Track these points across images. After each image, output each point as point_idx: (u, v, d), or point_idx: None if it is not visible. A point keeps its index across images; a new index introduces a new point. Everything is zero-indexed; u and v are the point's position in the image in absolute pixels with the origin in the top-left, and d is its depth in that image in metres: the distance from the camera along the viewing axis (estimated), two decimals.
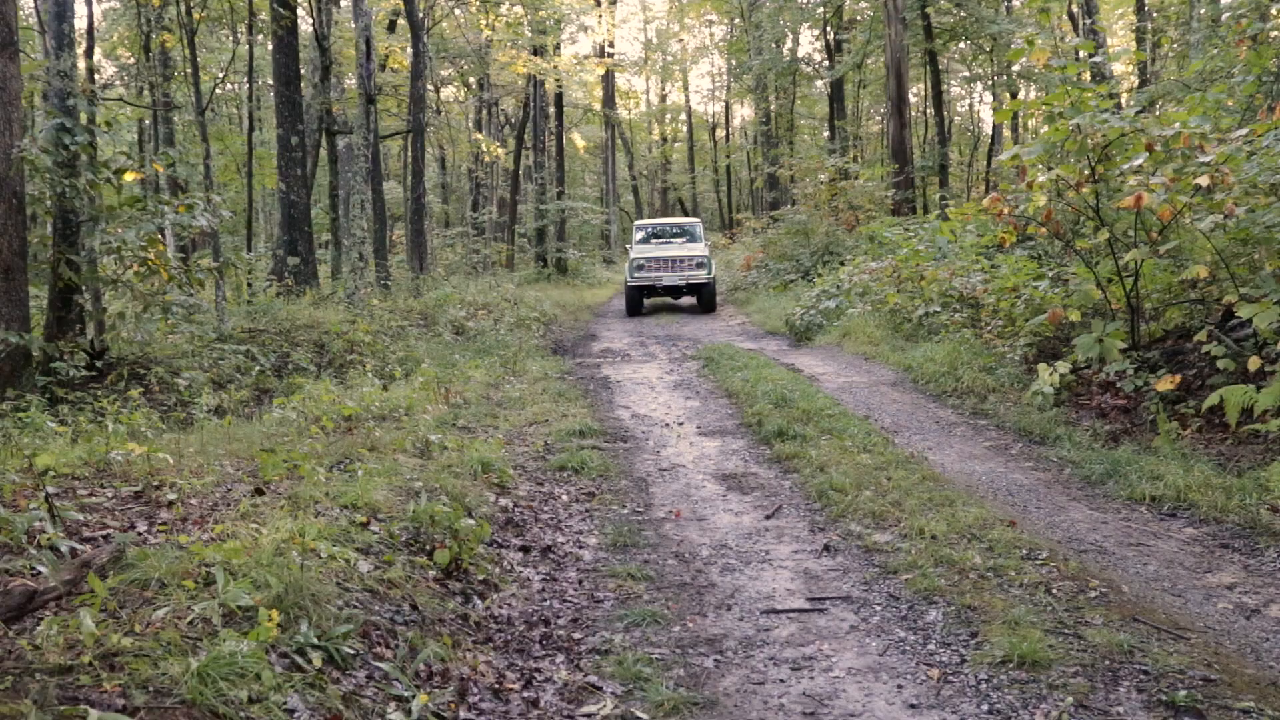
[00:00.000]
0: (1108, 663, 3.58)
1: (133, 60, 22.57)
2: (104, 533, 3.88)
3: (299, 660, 3.03)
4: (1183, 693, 3.33)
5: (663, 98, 54.94)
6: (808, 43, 38.28)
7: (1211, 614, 4.08)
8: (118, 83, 26.21)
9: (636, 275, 19.19)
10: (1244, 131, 7.17)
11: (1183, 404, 7.04)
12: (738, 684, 3.51)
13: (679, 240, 21.08)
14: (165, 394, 8.50)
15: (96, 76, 20.57)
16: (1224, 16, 12.20)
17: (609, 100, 36.44)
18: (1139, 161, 7.52)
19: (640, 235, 21.62)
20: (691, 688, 3.47)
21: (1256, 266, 7.59)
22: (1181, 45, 19.29)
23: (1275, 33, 10.16)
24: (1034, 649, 3.61)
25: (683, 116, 52.71)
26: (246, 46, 19.00)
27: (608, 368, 11.50)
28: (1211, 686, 3.40)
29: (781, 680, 3.53)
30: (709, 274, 19.15)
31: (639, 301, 19.80)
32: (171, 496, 4.42)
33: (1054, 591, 4.26)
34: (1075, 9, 24.78)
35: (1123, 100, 20.56)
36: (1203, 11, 16.98)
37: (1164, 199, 7.21)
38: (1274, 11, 10.13)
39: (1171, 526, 5.24)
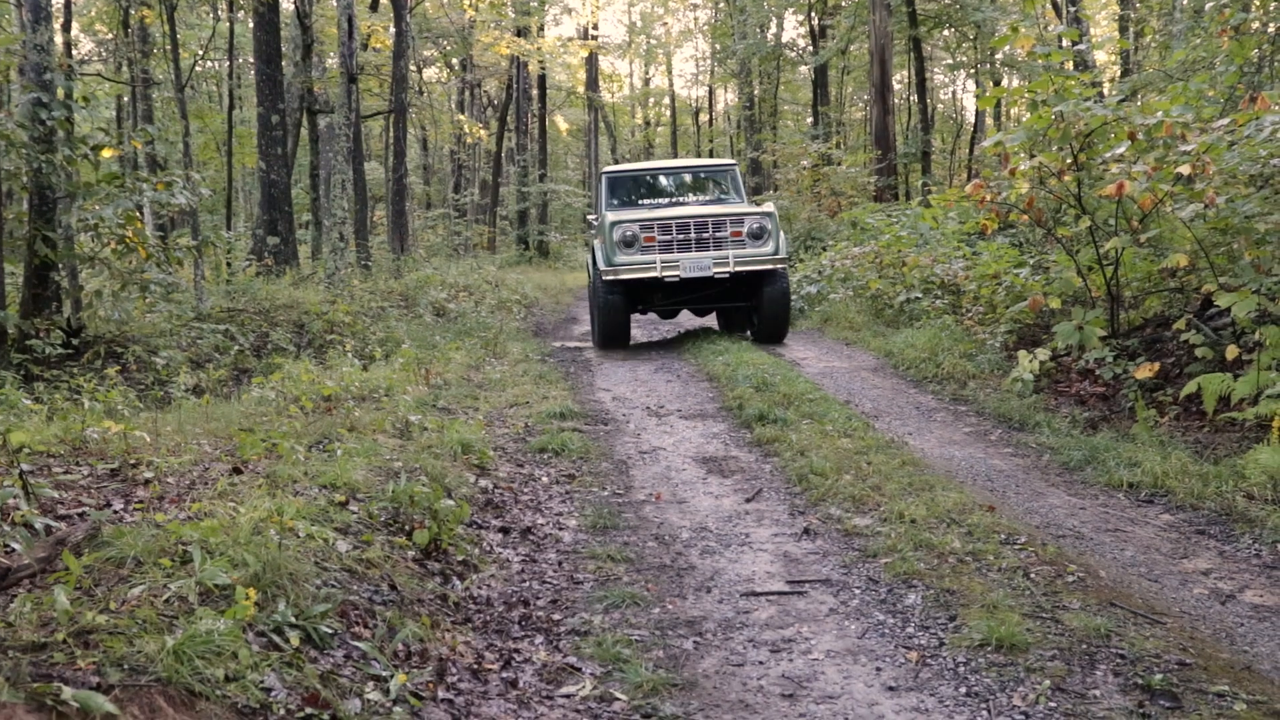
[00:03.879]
0: (1085, 646, 3.60)
1: (111, 35, 22.31)
2: (79, 510, 3.85)
3: (276, 639, 3.01)
4: (1158, 676, 3.35)
5: (646, 81, 54.79)
6: (792, 28, 38.24)
7: (1187, 599, 4.11)
8: (95, 58, 25.93)
9: (619, 263, 10.38)
10: (1225, 121, 7.20)
11: (1161, 392, 7.08)
12: (717, 665, 3.51)
13: (699, 198, 12.16)
14: (143, 373, 8.44)
15: (74, 51, 20.33)
16: (1207, 6, 12.24)
17: (592, 83, 36.31)
18: (1121, 150, 7.54)
19: (616, 191, 12.10)
20: (670, 669, 3.47)
21: (1235, 256, 7.63)
22: (1164, 35, 19.34)
23: (1257, 23, 10.19)
24: (1012, 632, 3.62)
25: (666, 100, 52.57)
26: (227, 23, 18.83)
27: (589, 351, 11.48)
28: (1187, 670, 3.42)
29: (761, 662, 3.54)
30: (776, 251, 10.51)
31: (625, 321, 11.01)
32: (148, 475, 4.39)
33: (1032, 576, 4.28)
34: (1058, 1, 24.82)
35: (1105, 89, 20.64)
36: (1185, 1, 17.03)
37: (1145, 188, 7.23)
38: (1256, 2, 10.16)
39: (1149, 513, 5.27)
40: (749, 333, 11.60)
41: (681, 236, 10.40)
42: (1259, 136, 6.63)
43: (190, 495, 4.15)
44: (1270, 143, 6.60)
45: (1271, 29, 9.70)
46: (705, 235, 10.43)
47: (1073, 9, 15.98)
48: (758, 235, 10.47)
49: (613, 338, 11.04)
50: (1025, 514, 5.23)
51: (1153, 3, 22.72)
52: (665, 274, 10.27)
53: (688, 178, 12.61)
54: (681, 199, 12.13)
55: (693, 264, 10.28)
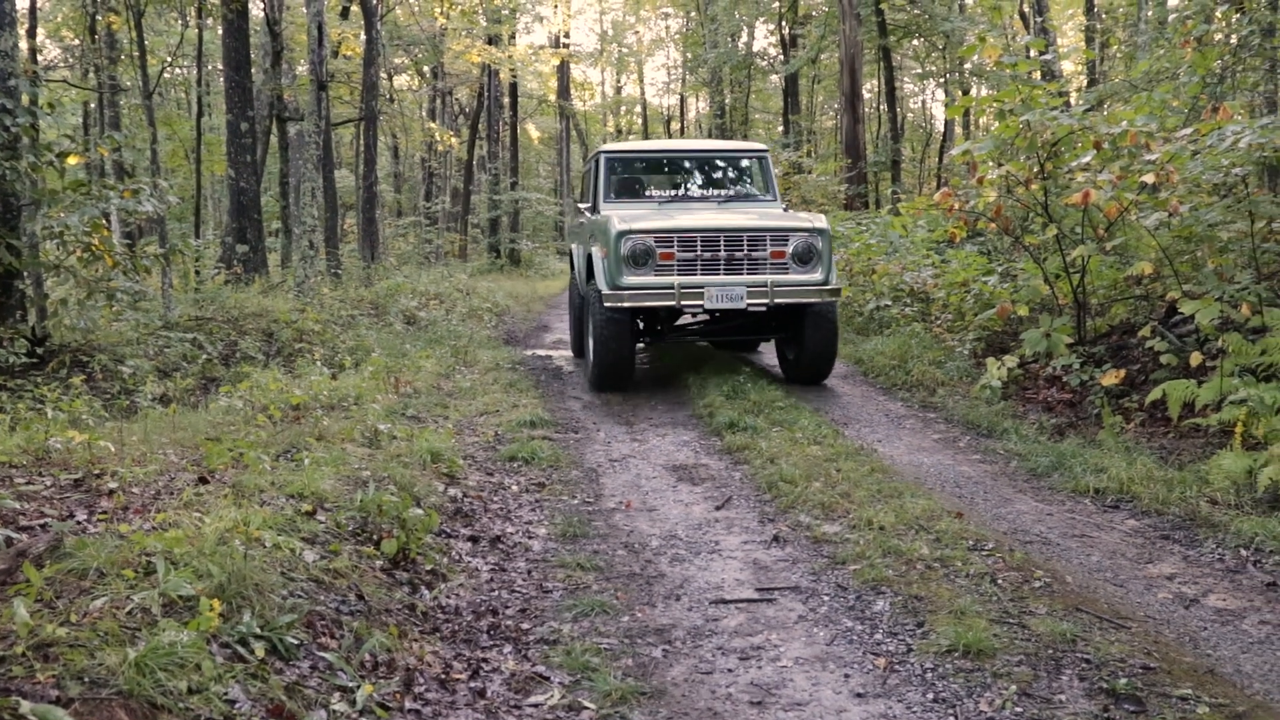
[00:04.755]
0: (1051, 651, 3.62)
1: (77, 42, 22.13)
2: (41, 521, 3.79)
3: (241, 650, 2.98)
4: (1123, 680, 3.38)
5: (618, 90, 54.86)
6: (763, 37, 38.45)
7: (1152, 604, 4.15)
8: (62, 64, 25.69)
9: (626, 286, 8.18)
10: (1188, 131, 7.29)
11: (1127, 398, 7.15)
12: (686, 674, 3.51)
13: (721, 193, 9.88)
14: (109, 382, 8.35)
15: (39, 57, 20.15)
16: (1170, 18, 12.41)
17: (564, 91, 36.31)
18: (1087, 159, 7.62)
19: (616, 177, 9.78)
20: (639, 677, 3.46)
21: (1199, 264, 7.73)
22: (1129, 46, 19.57)
23: (1219, 35, 10.34)
24: (979, 638, 3.64)
25: (638, 109, 52.66)
26: (196, 30, 18.72)
27: (560, 359, 11.46)
28: (1151, 674, 3.45)
29: (729, 670, 3.54)
30: (827, 279, 8.44)
31: (628, 356, 8.63)
32: (113, 485, 4.33)
33: (999, 582, 4.31)
34: (1026, 8, 25.06)
35: (1072, 98, 20.83)
36: (1150, 13, 17.24)
37: (1110, 196, 7.31)
38: (1218, 15, 10.30)
39: (1114, 518, 5.32)
40: (781, 362, 9.53)
41: (708, 254, 8.13)
42: (1221, 146, 6.72)
43: (155, 505, 4.10)
44: (1232, 152, 6.69)
45: (1233, 41, 9.83)
46: (739, 254, 8.16)
47: (1039, 19, 16.15)
48: (804, 258, 8.24)
49: (613, 377, 8.66)
50: (993, 520, 5.27)
51: (1118, 14, 22.99)
52: (686, 304, 8.13)
53: (708, 165, 10.26)
54: (699, 191, 9.88)
55: (722, 292, 8.01)
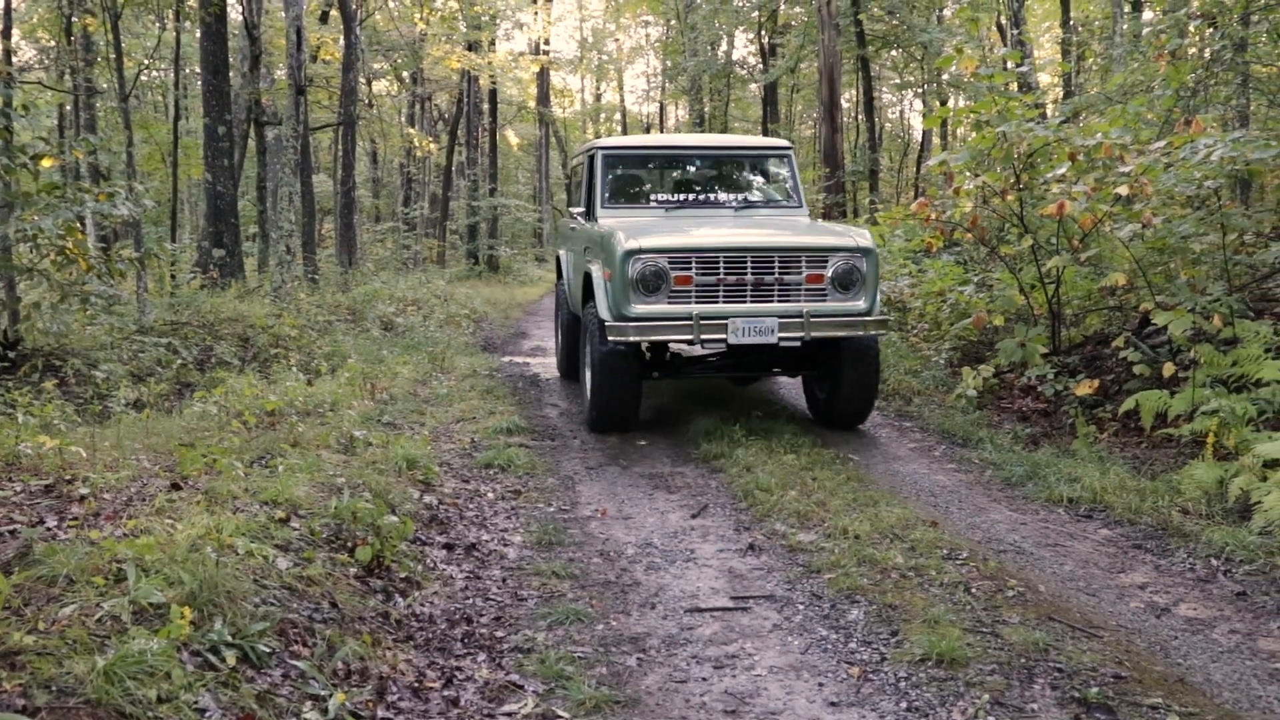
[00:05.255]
0: (1023, 660, 3.64)
1: (53, 43, 21.98)
2: (10, 528, 3.76)
3: (212, 658, 2.96)
4: (1094, 689, 3.40)
5: (598, 97, 54.88)
6: (742, 46, 38.52)
7: (1124, 613, 4.18)
8: (37, 66, 25.50)
9: (636, 317, 6.90)
10: (1162, 144, 7.36)
11: (1101, 408, 7.20)
12: (660, 682, 3.51)
13: (737, 199, 8.43)
14: (82, 387, 8.28)
15: (14, 59, 20.00)
16: (1145, 32, 12.53)
17: (544, 98, 36.31)
18: (1062, 170, 7.68)
19: (614, 178, 8.44)
20: (614, 686, 3.46)
21: (1172, 275, 7.80)
22: (1105, 59, 19.75)
23: (1193, 49, 10.45)
24: (952, 647, 3.66)
25: (617, 116, 52.68)
26: (173, 33, 18.62)
27: (537, 365, 11.44)
28: (1122, 683, 3.48)
29: (704, 679, 3.54)
30: (871, 307, 7.18)
31: (634, 394, 7.44)
32: (84, 491, 4.30)
33: (973, 591, 4.33)
34: (1004, 20, 25.26)
35: (1048, 110, 20.99)
36: (1125, 27, 17.41)
37: (1085, 207, 7.37)
38: (1192, 29, 10.42)
39: (1087, 528, 5.35)
40: (809, 401, 8.06)
41: (733, 279, 6.86)
42: (1194, 159, 6.79)
43: (127, 512, 4.07)
44: (1205, 165, 6.75)
45: (1206, 55, 9.94)
46: (768, 278, 6.88)
47: (1016, 32, 16.27)
48: (846, 282, 6.96)
49: (614, 418, 7.40)
50: (968, 529, 5.29)
51: (1094, 27, 23.19)
52: (706, 339, 6.81)
53: (723, 164, 8.88)
54: (712, 196, 8.45)
55: (749, 325, 6.74)
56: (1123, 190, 7.04)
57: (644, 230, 7.09)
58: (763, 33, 33.10)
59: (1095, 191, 7.33)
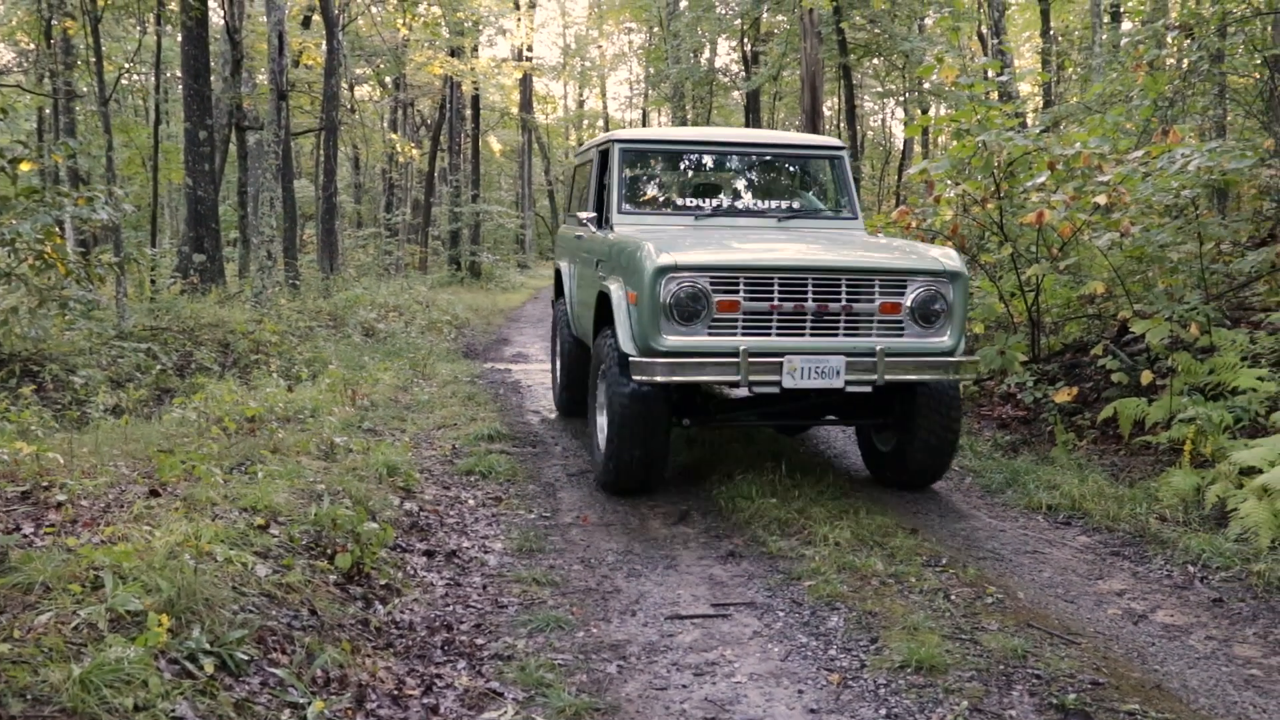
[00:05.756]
0: (1002, 667, 3.66)
1: (33, 46, 21.85)
2: None
3: (189, 666, 2.94)
4: (1072, 696, 3.42)
5: (580, 103, 54.94)
6: (725, 53, 38.64)
7: (1101, 619, 4.20)
8: (16, 69, 25.34)
9: (668, 350, 5.42)
10: (1140, 153, 7.41)
11: (1080, 416, 7.24)
12: (640, 690, 3.51)
13: (779, 206, 7.15)
14: (60, 392, 8.23)
15: None
16: (1123, 42, 12.64)
17: (526, 104, 36.32)
18: (1041, 179, 7.73)
19: (634, 177, 7.37)
20: (594, 694, 3.46)
21: (1150, 283, 7.86)
22: (1084, 69, 19.90)
23: (1171, 60, 10.53)
24: (932, 654, 3.67)
25: (600, 123, 52.73)
26: (154, 36, 18.53)
27: (519, 372, 11.44)
28: (1100, 689, 3.50)
29: (684, 686, 3.54)
30: (956, 344, 5.73)
31: (661, 445, 5.89)
32: (61, 498, 4.27)
33: (952, 598, 4.35)
34: (984, 30, 25.41)
35: (1028, 119, 21.14)
36: (1104, 37, 17.55)
37: (1064, 216, 7.42)
38: (1170, 40, 10.50)
39: (1066, 534, 5.38)
40: (865, 454, 6.68)
41: (790, 305, 5.48)
42: (1171, 168, 6.84)
43: (105, 519, 4.05)
44: (1182, 175, 6.81)
45: (1184, 65, 10.03)
46: (834, 305, 5.52)
47: (996, 41, 16.36)
48: (928, 314, 5.61)
49: (635, 476, 5.94)
50: (948, 536, 5.31)
51: (1074, 37, 23.36)
52: (756, 380, 5.42)
53: (764, 164, 7.69)
54: (750, 202, 7.16)
55: (809, 365, 5.40)
56: (1101, 199, 7.09)
57: (678, 242, 5.67)
58: (745, 40, 33.21)
59: (1074, 200, 7.38)
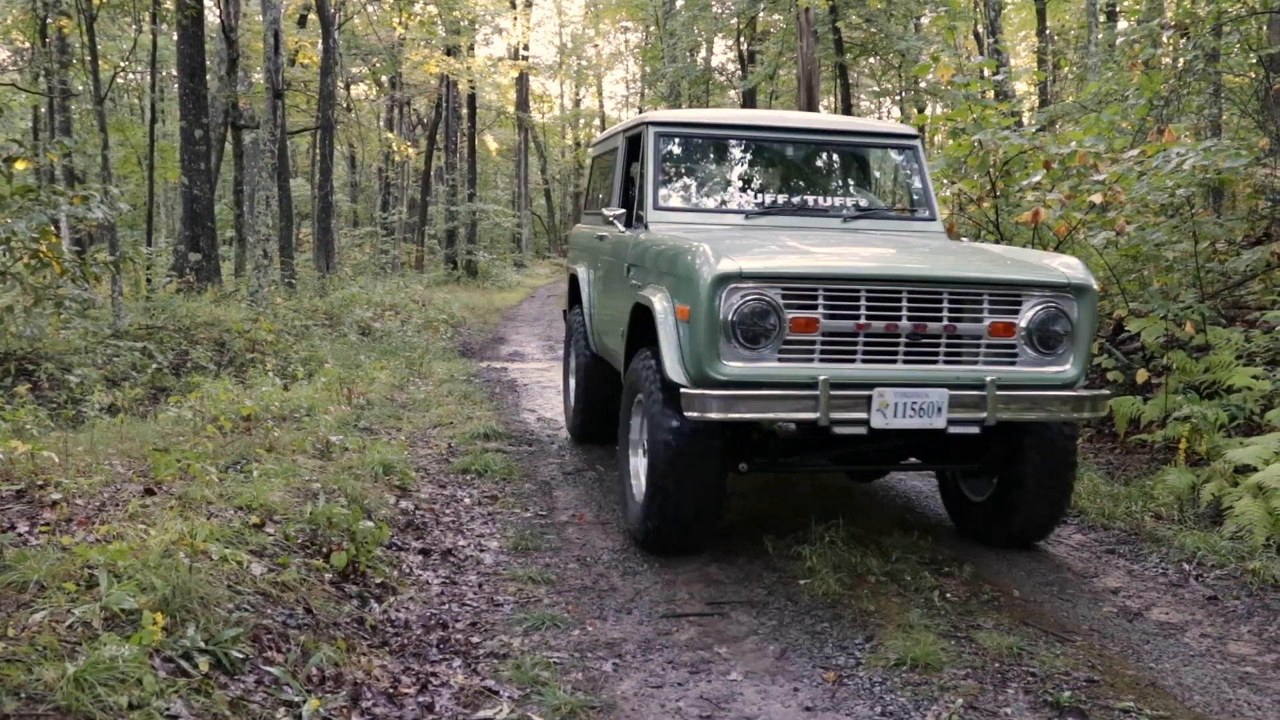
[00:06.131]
0: (997, 665, 3.67)
1: (28, 45, 21.81)
2: None
3: (184, 665, 2.94)
4: (1067, 693, 3.42)
5: (577, 102, 54.92)
6: (721, 52, 38.64)
7: (1096, 617, 4.21)
8: (11, 67, 25.31)
9: (729, 378, 4.38)
10: (1135, 152, 7.42)
11: None
12: (636, 687, 3.51)
13: (843, 204, 6.00)
14: (55, 391, 8.22)
15: None
16: (1119, 41, 12.65)
17: (523, 103, 36.32)
18: (1037, 178, 7.74)
19: (676, 167, 6.07)
20: (589, 691, 3.46)
21: (1145, 282, 7.86)
22: (1080, 68, 19.92)
23: (1166, 59, 10.55)
24: (927, 652, 3.68)
25: (596, 121, 52.73)
26: (149, 35, 18.50)
27: (515, 371, 11.44)
28: (1095, 687, 3.51)
29: (679, 684, 3.54)
30: (1079, 373, 4.66)
31: (714, 495, 4.81)
32: (56, 496, 4.26)
33: (948, 596, 4.36)
34: (980, 29, 25.43)
35: (1024, 118, 21.16)
36: (1100, 36, 17.57)
37: (1060, 215, 7.42)
38: (1165, 39, 10.52)
39: (1062, 533, 5.38)
40: (950, 503, 5.59)
41: (880, 323, 4.49)
42: (1166, 167, 6.85)
43: (100, 517, 4.04)
44: (1177, 173, 6.82)
45: (1180, 65, 10.04)
46: (933, 324, 4.53)
47: (992, 40, 16.39)
48: (1048, 337, 4.62)
49: (682, 530, 4.88)
50: (943, 534, 5.31)
51: (1070, 37, 23.39)
52: (840, 419, 4.42)
53: (825, 156, 6.47)
54: (808, 199, 5.98)
55: (904, 400, 4.43)
56: (1097, 198, 7.09)
57: (736, 245, 4.67)
58: (741, 39, 33.22)
59: (1070, 199, 7.38)
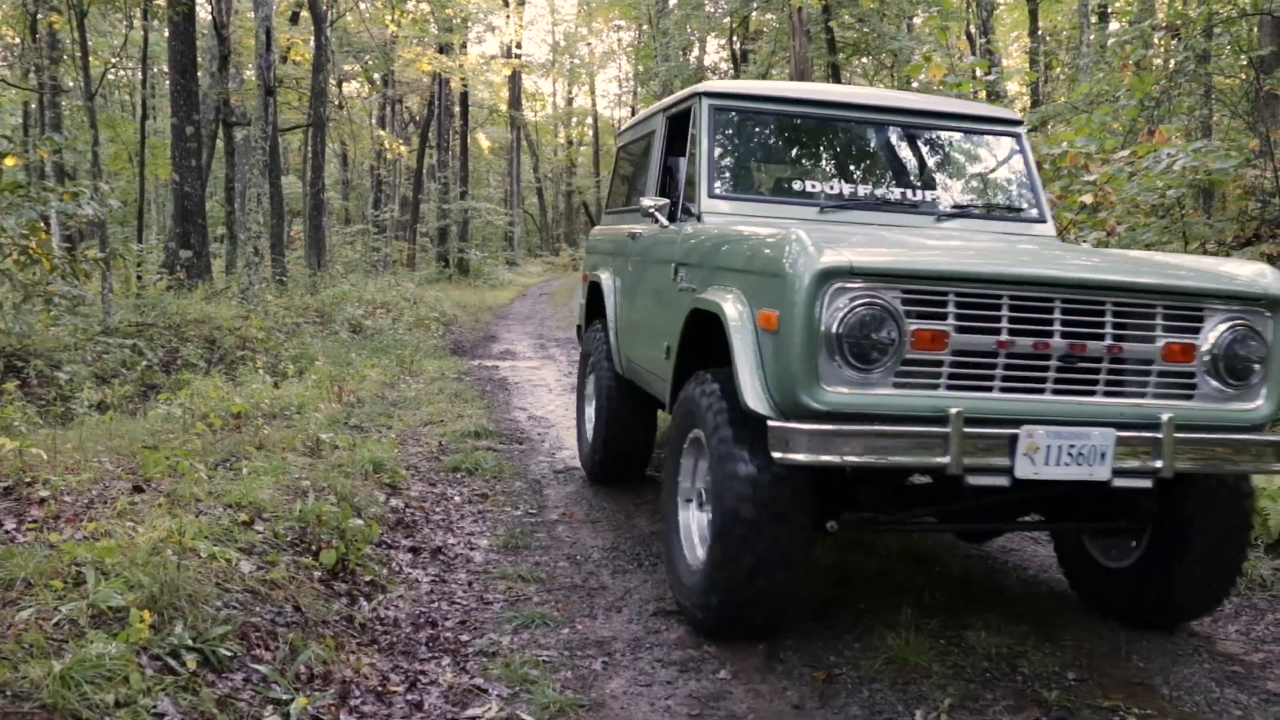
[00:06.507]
0: (986, 664, 3.67)
1: (18, 41, 21.73)
2: None
3: (172, 663, 2.93)
4: (1055, 693, 3.43)
5: (569, 101, 54.92)
6: (714, 51, 38.66)
7: (1084, 617, 4.22)
8: (1, 63, 25.22)
9: (829, 400, 3.34)
10: (1126, 153, 7.45)
11: None
12: (625, 685, 3.51)
13: (936, 198, 5.01)
14: (44, 388, 8.19)
15: None
16: (1110, 42, 12.69)
17: (515, 102, 36.31)
18: None
19: (737, 147, 5.08)
20: (578, 690, 3.45)
21: None
22: (1071, 68, 19.97)
23: (1158, 60, 10.58)
24: (916, 651, 3.68)
25: (589, 120, 52.75)
26: (140, 31, 18.46)
27: (506, 369, 11.43)
28: (1082, 686, 3.52)
29: (669, 682, 3.54)
30: (1273, 411, 3.61)
31: (800, 558, 3.65)
32: (44, 493, 4.25)
33: (938, 595, 4.36)
34: (972, 29, 25.48)
35: None
36: (1091, 37, 17.62)
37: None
38: (1157, 40, 10.55)
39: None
40: (1073, 569, 4.50)
41: (1028, 338, 3.49)
42: (1157, 168, 6.88)
43: (88, 515, 4.03)
44: (1168, 174, 6.84)
45: (1171, 66, 10.07)
46: (1093, 344, 3.52)
47: (984, 41, 16.42)
48: (1237, 363, 3.62)
49: (760, 605, 3.79)
50: (935, 534, 5.32)
51: (1061, 37, 23.44)
52: (977, 467, 3.41)
53: (917, 141, 5.32)
54: (894, 192, 5.00)
55: (1061, 441, 3.41)
56: (1088, 198, 7.12)
57: (838, 236, 3.65)
58: (734, 38, 33.23)
59: (1061, 199, 7.41)
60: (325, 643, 3.49)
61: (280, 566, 3.90)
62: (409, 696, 3.34)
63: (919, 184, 5.10)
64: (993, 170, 5.35)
